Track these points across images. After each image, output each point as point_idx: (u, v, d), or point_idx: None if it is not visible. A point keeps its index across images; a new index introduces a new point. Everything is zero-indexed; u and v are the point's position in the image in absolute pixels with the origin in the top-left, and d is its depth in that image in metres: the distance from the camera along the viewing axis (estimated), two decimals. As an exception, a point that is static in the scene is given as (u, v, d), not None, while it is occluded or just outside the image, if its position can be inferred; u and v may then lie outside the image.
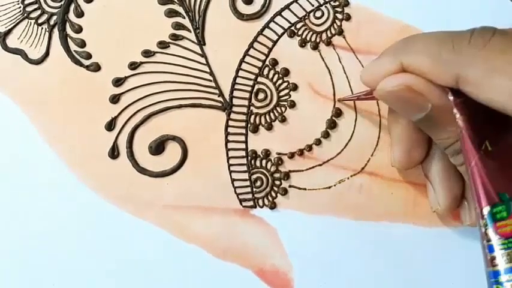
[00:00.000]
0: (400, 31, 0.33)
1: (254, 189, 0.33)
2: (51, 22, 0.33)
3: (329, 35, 0.33)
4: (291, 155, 0.33)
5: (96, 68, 0.32)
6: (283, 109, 0.33)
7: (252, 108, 0.33)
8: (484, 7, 0.33)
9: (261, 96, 0.33)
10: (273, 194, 0.33)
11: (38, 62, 0.32)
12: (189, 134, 0.33)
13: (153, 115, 0.32)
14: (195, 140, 0.33)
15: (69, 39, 0.33)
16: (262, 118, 0.33)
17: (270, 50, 0.33)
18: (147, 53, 0.33)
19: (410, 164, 0.30)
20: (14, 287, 0.32)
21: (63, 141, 0.32)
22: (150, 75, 0.33)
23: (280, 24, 0.33)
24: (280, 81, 0.33)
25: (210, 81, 0.33)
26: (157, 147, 0.32)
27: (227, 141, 0.33)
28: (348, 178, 0.33)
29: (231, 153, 0.33)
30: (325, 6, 0.33)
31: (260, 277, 0.32)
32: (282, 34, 0.33)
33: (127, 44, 0.33)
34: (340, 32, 0.33)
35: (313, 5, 0.33)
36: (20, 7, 0.33)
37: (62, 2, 0.33)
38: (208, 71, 0.33)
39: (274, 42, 0.33)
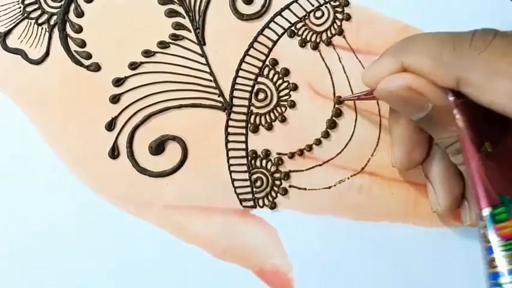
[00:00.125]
0: (400, 31, 0.33)
1: (254, 189, 0.33)
2: (51, 22, 0.33)
3: (329, 35, 0.33)
4: (291, 155, 0.33)
5: (96, 68, 0.32)
6: (283, 109, 0.33)
7: (252, 108, 0.33)
8: (484, 7, 0.33)
9: (261, 96, 0.33)
10: (273, 194, 0.33)
11: (38, 62, 0.32)
12: (189, 134, 0.33)
13: (153, 115, 0.32)
14: (195, 140, 0.33)
15: (69, 39, 0.33)
16: (262, 118, 0.33)
17: (270, 50, 0.33)
18: (147, 53, 0.33)
19: (411, 164, 0.30)
20: (14, 287, 0.32)
21: (63, 141, 0.32)
22: (150, 75, 0.33)
23: (280, 24, 0.33)
24: (280, 81, 0.33)
25: (210, 81, 0.33)
26: (158, 147, 0.32)
27: (227, 141, 0.33)
28: (348, 178, 0.33)
29: (231, 153, 0.33)
30: (325, 6, 0.33)
31: (260, 277, 0.32)
32: (282, 34, 0.33)
33: (127, 44, 0.33)
34: (340, 32, 0.33)
35: (313, 5, 0.33)
36: (20, 7, 0.33)
37: (62, 2, 0.33)
38: (208, 71, 0.33)
39: (274, 42, 0.33)
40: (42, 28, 0.33)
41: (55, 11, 0.33)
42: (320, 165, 0.33)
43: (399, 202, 0.33)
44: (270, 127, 0.33)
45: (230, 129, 0.33)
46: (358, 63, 0.33)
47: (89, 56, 0.33)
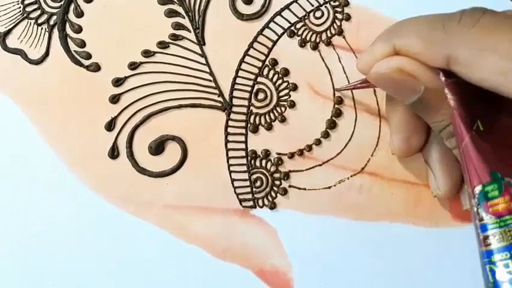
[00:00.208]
0: (400, 31, 0.33)
1: (254, 189, 0.33)
2: (51, 22, 0.33)
3: (329, 35, 0.33)
4: (291, 155, 0.33)
5: (96, 68, 0.33)
6: (283, 109, 0.33)
7: (252, 108, 0.33)
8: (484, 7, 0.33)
9: (260, 96, 0.33)
10: (273, 194, 0.33)
11: (38, 62, 0.32)
12: (189, 134, 0.33)
13: (153, 115, 0.33)
14: (195, 140, 0.33)
15: (69, 39, 0.33)
16: (262, 118, 0.33)
17: (270, 50, 0.33)
18: (147, 53, 0.33)
19: (410, 151, 0.30)
20: (14, 287, 0.32)
21: (63, 141, 0.32)
22: (150, 75, 0.33)
23: (280, 24, 0.33)
24: (280, 81, 0.33)
25: (210, 81, 0.33)
26: (157, 147, 0.32)
27: (227, 141, 0.33)
28: (348, 178, 0.33)
29: (230, 153, 0.33)
30: (325, 6, 0.33)
31: (260, 277, 0.32)
32: (282, 34, 0.33)
33: (127, 44, 0.33)
34: (340, 32, 0.33)
35: (313, 5, 0.33)
36: (19, 7, 0.33)
37: (62, 2, 0.33)
38: (208, 71, 0.33)
39: (274, 42, 0.33)
40: (42, 28, 0.33)
41: (55, 11, 0.33)
42: (320, 165, 0.33)
43: (399, 202, 0.33)
44: (269, 127, 0.33)
45: (230, 129, 0.33)
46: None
47: (88, 56, 0.33)
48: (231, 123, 0.33)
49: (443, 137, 0.28)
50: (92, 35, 0.33)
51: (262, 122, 0.33)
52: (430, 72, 0.25)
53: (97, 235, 0.32)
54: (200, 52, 0.33)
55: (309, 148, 0.33)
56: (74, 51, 0.33)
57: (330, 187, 0.33)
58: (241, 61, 0.33)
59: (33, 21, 0.33)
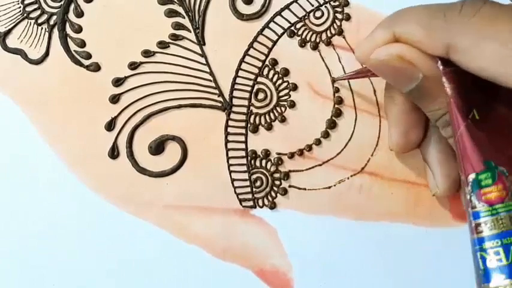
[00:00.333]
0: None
1: (254, 189, 0.33)
2: (51, 22, 0.33)
3: (329, 35, 0.33)
4: (291, 155, 0.33)
5: (96, 68, 0.33)
6: (283, 109, 0.33)
7: (251, 108, 0.33)
8: None
9: (260, 96, 0.33)
10: (273, 194, 0.33)
11: (38, 62, 0.32)
12: (189, 134, 0.33)
13: (153, 115, 0.32)
14: (195, 140, 0.33)
15: (69, 39, 0.33)
16: (262, 118, 0.33)
17: (270, 50, 0.33)
18: (147, 53, 0.33)
19: (408, 145, 0.30)
20: (14, 287, 0.32)
21: (63, 141, 0.32)
22: (150, 75, 0.33)
23: (280, 24, 0.33)
24: (280, 81, 0.33)
25: (210, 81, 0.33)
26: (157, 147, 0.32)
27: (227, 141, 0.33)
28: (348, 178, 0.33)
29: (230, 153, 0.33)
30: (325, 6, 0.33)
31: (260, 277, 0.32)
32: (282, 34, 0.33)
33: (127, 44, 0.33)
34: (340, 32, 0.33)
35: (313, 5, 0.33)
36: (19, 7, 0.33)
37: (62, 2, 0.33)
38: (208, 71, 0.33)
39: (274, 42, 0.33)
40: (42, 28, 0.33)
41: (55, 11, 0.33)
42: (320, 165, 0.33)
43: (399, 202, 0.33)
44: (269, 127, 0.33)
45: (230, 129, 0.33)
46: (358, 63, 0.33)
47: (88, 56, 0.33)
48: (231, 123, 0.33)
49: (439, 126, 0.28)
50: (92, 35, 0.33)
51: (262, 122, 0.33)
52: (429, 61, 0.25)
53: (97, 235, 0.32)
54: (200, 52, 0.33)
55: (309, 148, 0.33)
56: (74, 51, 0.33)
57: (330, 187, 0.33)
58: (241, 61, 0.33)
59: (33, 21, 0.33)
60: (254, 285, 0.32)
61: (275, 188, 0.33)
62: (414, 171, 0.32)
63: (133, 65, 0.33)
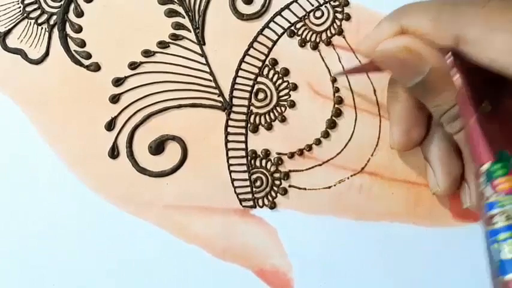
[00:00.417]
0: (400, 31, 0.33)
1: (254, 189, 0.33)
2: (51, 22, 0.33)
3: (329, 35, 0.33)
4: (291, 155, 0.33)
5: (96, 68, 0.33)
6: (283, 109, 0.33)
7: (252, 108, 0.33)
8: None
9: (260, 96, 0.33)
10: (273, 194, 0.33)
11: (38, 62, 0.32)
12: (189, 134, 0.33)
13: (153, 115, 0.32)
14: (195, 140, 0.33)
15: (69, 39, 0.33)
16: (262, 118, 0.33)
17: (270, 50, 0.33)
18: (147, 53, 0.33)
19: (409, 144, 0.30)
20: (14, 287, 0.32)
21: (63, 141, 0.32)
22: (150, 75, 0.33)
23: (280, 24, 0.33)
24: (280, 81, 0.33)
25: (210, 81, 0.33)
26: (157, 147, 0.32)
27: (227, 141, 0.33)
28: (348, 178, 0.33)
29: (230, 153, 0.33)
30: (325, 6, 0.33)
31: (260, 277, 0.32)
32: (282, 34, 0.33)
33: (127, 44, 0.33)
34: (340, 32, 0.33)
35: (313, 5, 0.33)
36: (19, 7, 0.33)
37: (62, 2, 0.33)
38: (208, 71, 0.33)
39: (274, 42, 0.33)
40: (42, 28, 0.33)
41: (55, 10, 0.33)
42: (320, 165, 0.33)
43: (399, 202, 0.33)
44: (269, 127, 0.33)
45: (230, 129, 0.33)
46: (358, 63, 0.33)
47: (88, 56, 0.33)
48: (231, 123, 0.33)
49: (443, 122, 0.27)
50: (92, 35, 0.33)
51: (262, 121, 0.33)
52: (436, 52, 0.25)
53: (97, 235, 0.32)
54: (200, 52, 0.33)
55: (309, 148, 0.33)
56: (74, 51, 0.33)
57: (330, 187, 0.33)
58: (241, 61, 0.33)
59: (33, 21, 0.33)
60: (254, 285, 0.32)
61: (275, 188, 0.33)
62: (414, 171, 0.32)
63: (133, 65, 0.33)
